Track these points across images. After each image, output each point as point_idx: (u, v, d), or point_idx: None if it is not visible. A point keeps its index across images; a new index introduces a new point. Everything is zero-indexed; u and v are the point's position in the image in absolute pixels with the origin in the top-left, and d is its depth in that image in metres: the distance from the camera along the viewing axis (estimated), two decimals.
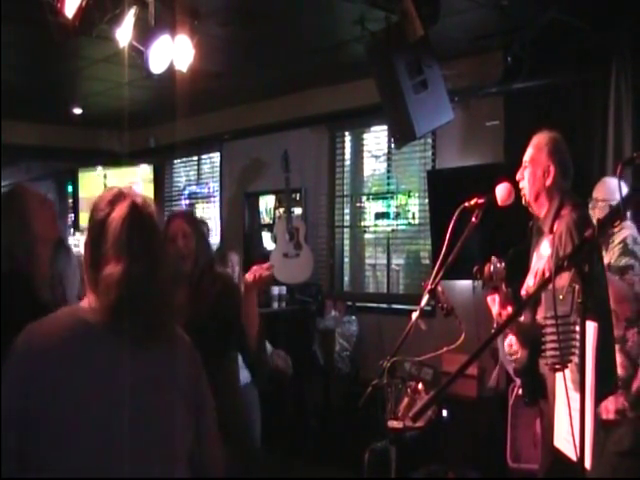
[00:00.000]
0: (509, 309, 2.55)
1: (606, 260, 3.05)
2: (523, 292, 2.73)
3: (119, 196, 1.60)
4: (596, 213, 3.17)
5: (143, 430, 1.54)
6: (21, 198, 2.41)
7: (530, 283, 2.71)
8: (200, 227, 3.12)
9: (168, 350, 1.62)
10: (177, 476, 1.59)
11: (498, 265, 2.58)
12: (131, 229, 1.55)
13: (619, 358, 2.88)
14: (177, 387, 1.61)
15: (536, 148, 2.73)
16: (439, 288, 2.59)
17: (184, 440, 1.62)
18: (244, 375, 3.56)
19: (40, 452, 1.48)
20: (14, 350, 1.53)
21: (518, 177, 2.76)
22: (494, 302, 2.60)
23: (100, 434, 1.50)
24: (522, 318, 2.66)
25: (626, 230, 3.12)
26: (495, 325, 2.61)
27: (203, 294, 2.90)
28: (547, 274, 2.59)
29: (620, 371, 2.88)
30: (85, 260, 1.61)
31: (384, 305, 5.86)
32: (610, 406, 2.91)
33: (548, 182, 2.66)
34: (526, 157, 2.75)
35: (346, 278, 6.45)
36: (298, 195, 6.47)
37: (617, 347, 2.90)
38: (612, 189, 3.33)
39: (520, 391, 2.81)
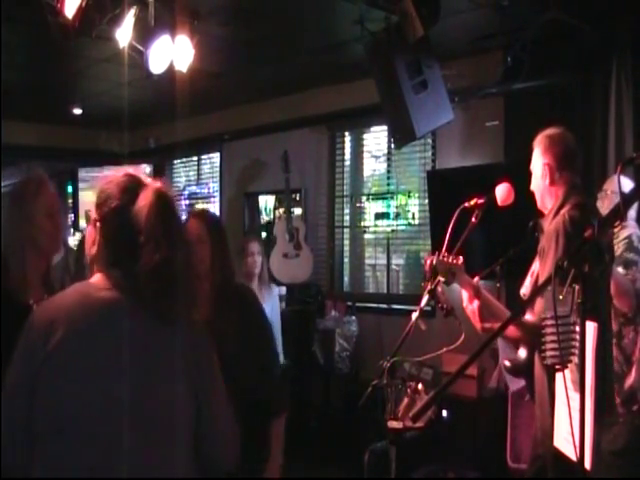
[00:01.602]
0: (475, 303, 2.56)
1: None
2: (522, 291, 2.73)
3: (137, 183, 1.65)
4: (605, 204, 3.17)
5: (143, 404, 1.57)
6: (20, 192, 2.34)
7: (527, 283, 2.71)
8: (219, 232, 2.65)
9: (179, 333, 1.64)
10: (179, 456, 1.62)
11: (441, 258, 2.57)
12: (162, 217, 1.61)
13: (614, 352, 2.89)
14: (180, 367, 1.63)
15: (534, 152, 2.72)
16: (439, 288, 2.59)
17: (184, 419, 1.63)
18: None
19: (47, 420, 1.53)
20: (27, 323, 1.60)
21: (532, 188, 2.75)
22: (466, 294, 2.60)
23: (100, 406, 1.53)
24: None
25: (630, 229, 3.12)
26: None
27: (222, 315, 2.44)
28: (536, 274, 2.60)
29: (614, 366, 2.88)
30: (98, 242, 1.65)
31: (384, 305, 5.86)
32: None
33: (547, 181, 2.65)
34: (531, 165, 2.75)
35: (346, 278, 6.45)
36: (298, 195, 6.47)
37: (613, 342, 2.91)
38: (623, 183, 3.32)
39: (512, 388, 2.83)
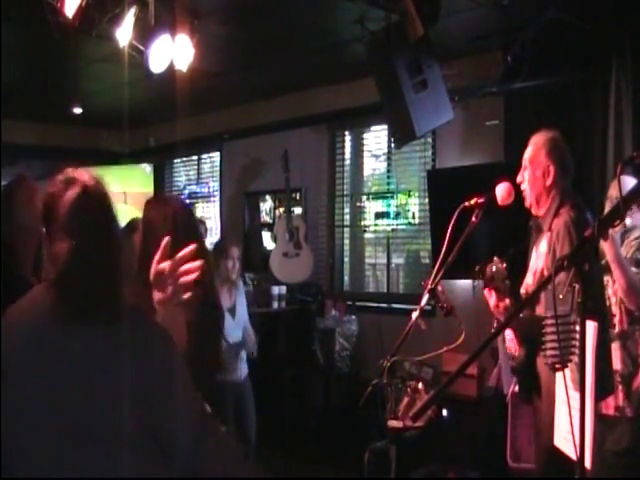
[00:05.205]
0: (507, 301, 2.55)
1: (623, 253, 3.05)
2: (522, 290, 2.73)
3: (71, 180, 1.70)
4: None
5: (86, 404, 1.57)
6: (9, 190, 2.64)
7: (529, 281, 2.71)
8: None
9: (115, 329, 1.62)
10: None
11: (500, 265, 2.58)
12: (78, 211, 1.63)
13: (620, 354, 2.88)
14: (121, 366, 1.61)
15: (535, 148, 2.74)
16: (439, 288, 2.59)
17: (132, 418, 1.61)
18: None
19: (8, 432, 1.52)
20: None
21: (519, 179, 2.77)
22: (491, 294, 2.59)
23: (48, 416, 1.53)
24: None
25: None
26: (495, 321, 2.61)
27: None
28: (545, 272, 2.59)
29: (621, 367, 2.88)
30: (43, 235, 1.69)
31: (384, 305, 5.86)
32: (610, 401, 2.91)
33: (548, 182, 2.67)
34: (525, 158, 2.76)
35: (346, 278, 6.45)
36: (298, 195, 6.47)
37: (618, 343, 2.90)
38: (626, 187, 3.33)
39: (517, 388, 2.82)
